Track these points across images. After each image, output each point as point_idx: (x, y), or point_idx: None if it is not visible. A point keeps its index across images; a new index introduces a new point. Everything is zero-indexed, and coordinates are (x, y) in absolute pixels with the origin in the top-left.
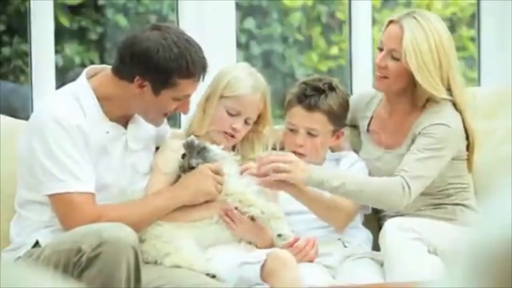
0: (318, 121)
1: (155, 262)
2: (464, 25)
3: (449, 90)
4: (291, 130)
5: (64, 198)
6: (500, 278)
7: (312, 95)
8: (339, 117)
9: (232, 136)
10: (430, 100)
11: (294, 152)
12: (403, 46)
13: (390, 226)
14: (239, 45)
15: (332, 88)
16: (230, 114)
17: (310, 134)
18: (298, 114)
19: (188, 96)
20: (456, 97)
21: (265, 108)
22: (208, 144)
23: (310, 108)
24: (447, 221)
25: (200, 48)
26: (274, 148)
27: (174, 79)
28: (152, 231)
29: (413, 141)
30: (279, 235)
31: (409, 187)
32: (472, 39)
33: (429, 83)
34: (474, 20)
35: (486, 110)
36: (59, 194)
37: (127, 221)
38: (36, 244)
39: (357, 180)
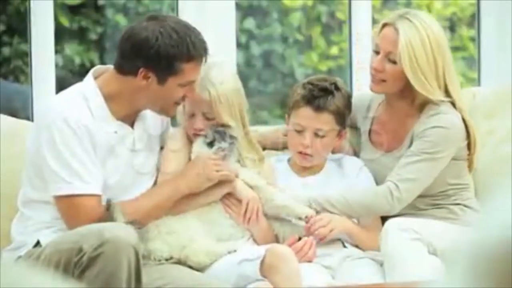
0: (326, 121)
1: (170, 258)
2: (464, 25)
3: (446, 90)
4: (298, 131)
5: (70, 200)
6: (500, 278)
7: (320, 96)
8: (344, 117)
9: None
10: (429, 102)
11: (300, 153)
12: (398, 50)
13: (390, 226)
14: (239, 45)
15: (338, 88)
16: (189, 116)
17: (317, 134)
18: (306, 115)
19: (193, 81)
20: (454, 96)
21: (227, 108)
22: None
23: (319, 108)
24: (448, 221)
25: (199, 32)
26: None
27: (177, 65)
28: (161, 228)
29: (411, 144)
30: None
31: (398, 190)
32: (472, 39)
33: (424, 86)
34: (474, 20)
35: (486, 110)
36: (65, 195)
37: (133, 218)
38: (37, 244)
39: (344, 197)
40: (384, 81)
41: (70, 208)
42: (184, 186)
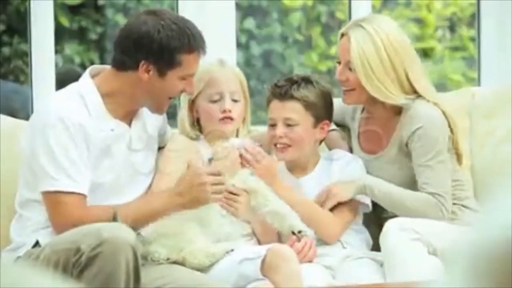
0: (293, 109)
1: (168, 259)
2: (464, 25)
3: (414, 91)
4: (272, 125)
5: (54, 196)
6: (500, 278)
7: (283, 85)
8: (318, 107)
9: (230, 118)
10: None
11: (276, 145)
12: (351, 58)
13: (390, 226)
14: (239, 45)
15: (308, 81)
16: (215, 101)
17: (288, 125)
18: (274, 107)
19: (193, 74)
20: (425, 94)
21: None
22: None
23: (283, 97)
24: (448, 221)
25: (195, 26)
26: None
27: (178, 57)
28: (159, 230)
29: (399, 147)
30: (299, 232)
31: (446, 207)
32: (472, 39)
33: (381, 93)
34: (474, 20)
35: (485, 110)
36: (50, 192)
37: (124, 223)
38: (36, 244)
39: (389, 190)
40: (353, 89)
41: (54, 205)
42: (180, 205)
